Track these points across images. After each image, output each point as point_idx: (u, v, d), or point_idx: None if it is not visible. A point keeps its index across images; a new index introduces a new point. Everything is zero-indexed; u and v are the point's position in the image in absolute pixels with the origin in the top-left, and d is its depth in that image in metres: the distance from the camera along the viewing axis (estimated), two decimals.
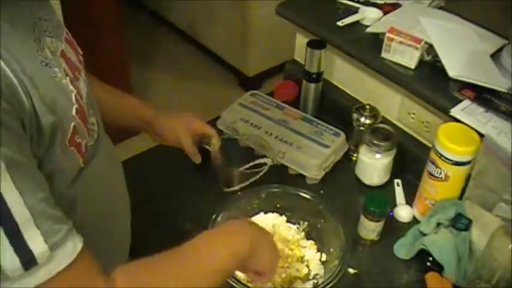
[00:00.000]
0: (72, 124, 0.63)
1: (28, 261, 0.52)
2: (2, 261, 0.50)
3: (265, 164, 1.10)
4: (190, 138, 1.02)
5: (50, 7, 0.70)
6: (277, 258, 0.83)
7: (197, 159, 1.05)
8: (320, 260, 0.99)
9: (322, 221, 1.02)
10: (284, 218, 1.05)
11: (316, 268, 0.97)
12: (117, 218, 0.86)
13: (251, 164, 1.11)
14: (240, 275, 0.91)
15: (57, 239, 0.55)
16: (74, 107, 0.63)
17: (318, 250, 1.00)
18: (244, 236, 0.77)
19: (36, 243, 0.52)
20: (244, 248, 0.75)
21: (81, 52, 0.75)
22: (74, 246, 0.57)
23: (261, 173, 1.07)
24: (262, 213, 1.05)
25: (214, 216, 0.96)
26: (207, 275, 0.69)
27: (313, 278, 0.95)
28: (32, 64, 0.56)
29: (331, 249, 0.98)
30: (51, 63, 0.61)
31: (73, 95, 0.64)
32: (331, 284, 0.89)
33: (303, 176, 1.17)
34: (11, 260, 0.51)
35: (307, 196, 1.04)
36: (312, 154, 1.16)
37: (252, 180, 1.06)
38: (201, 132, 1.05)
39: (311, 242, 1.02)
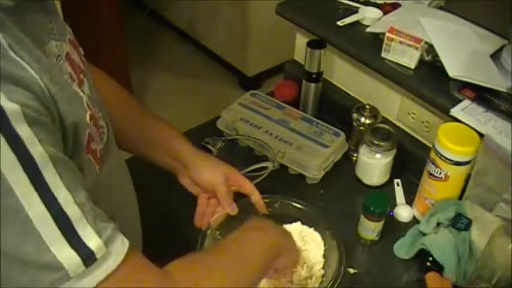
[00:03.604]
0: (88, 131, 0.62)
1: (87, 257, 0.52)
2: (62, 259, 0.50)
3: (266, 167, 1.10)
4: (226, 187, 0.93)
5: (54, 8, 0.69)
6: (297, 260, 0.85)
7: (232, 210, 0.94)
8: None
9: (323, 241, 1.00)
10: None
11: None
12: (129, 218, 0.85)
13: (252, 167, 1.11)
14: None
15: (108, 235, 0.54)
16: (88, 113, 0.63)
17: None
18: (272, 233, 0.81)
19: (91, 239, 0.52)
20: (276, 244, 0.79)
21: (82, 52, 0.74)
22: (122, 242, 0.56)
23: (261, 177, 1.06)
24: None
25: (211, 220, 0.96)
26: (250, 268, 0.72)
27: None
28: (49, 70, 0.55)
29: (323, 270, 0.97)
30: (60, 70, 0.60)
31: (84, 100, 0.63)
32: None
33: (303, 176, 1.17)
34: (71, 257, 0.50)
35: (300, 206, 1.01)
36: (312, 154, 1.16)
37: (252, 183, 1.06)
38: (237, 185, 0.96)
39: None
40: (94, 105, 0.68)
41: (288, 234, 0.85)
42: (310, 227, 1.00)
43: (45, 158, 0.49)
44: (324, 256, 0.97)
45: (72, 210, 0.51)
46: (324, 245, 0.98)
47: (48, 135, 0.51)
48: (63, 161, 0.53)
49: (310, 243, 0.98)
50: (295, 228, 1.00)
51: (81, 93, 0.63)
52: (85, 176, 0.62)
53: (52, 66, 0.57)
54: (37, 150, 0.49)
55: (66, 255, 0.50)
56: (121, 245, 0.56)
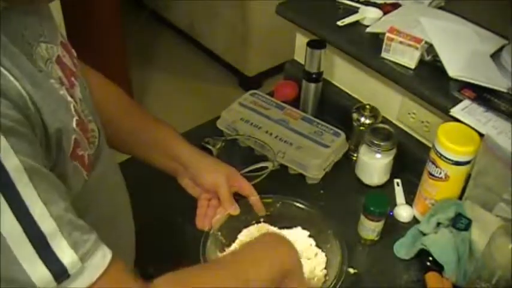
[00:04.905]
0: (73, 137, 0.61)
1: (59, 273, 0.50)
2: (32, 276, 0.49)
3: (266, 167, 1.10)
4: (228, 188, 0.92)
5: (47, 10, 0.67)
6: (304, 284, 0.80)
7: (234, 210, 0.93)
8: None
9: (324, 241, 0.99)
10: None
11: None
12: (121, 221, 0.84)
13: (252, 167, 1.11)
14: None
15: (86, 250, 0.53)
16: (74, 118, 0.62)
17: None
18: (283, 252, 0.74)
19: (66, 255, 0.51)
20: (286, 264, 0.73)
21: (75, 54, 0.72)
22: (103, 256, 0.55)
23: (261, 177, 1.06)
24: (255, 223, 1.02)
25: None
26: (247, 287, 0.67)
27: None
28: (33, 77, 0.54)
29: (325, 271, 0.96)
30: (47, 75, 0.59)
31: (72, 106, 0.62)
32: None
33: (303, 176, 1.17)
34: (42, 274, 0.50)
35: (302, 206, 1.01)
36: (312, 154, 1.16)
37: (252, 183, 1.06)
38: (237, 186, 0.95)
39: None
40: (84, 109, 0.66)
41: (297, 253, 0.79)
42: (310, 228, 1.00)
43: (20, 170, 0.48)
44: (326, 256, 0.97)
45: (47, 225, 0.50)
46: (326, 246, 0.98)
47: (26, 146, 0.50)
48: (40, 173, 0.51)
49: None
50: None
51: (69, 98, 0.62)
52: (70, 184, 0.61)
53: (36, 71, 0.56)
54: (12, 162, 0.48)
55: (38, 272, 0.50)
56: (101, 259, 0.55)
